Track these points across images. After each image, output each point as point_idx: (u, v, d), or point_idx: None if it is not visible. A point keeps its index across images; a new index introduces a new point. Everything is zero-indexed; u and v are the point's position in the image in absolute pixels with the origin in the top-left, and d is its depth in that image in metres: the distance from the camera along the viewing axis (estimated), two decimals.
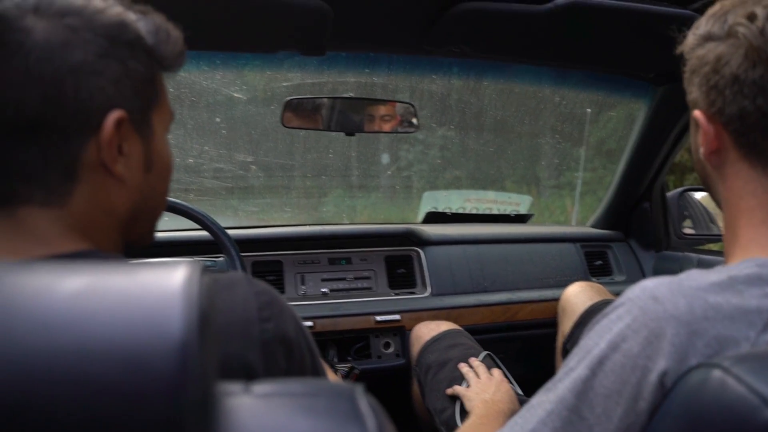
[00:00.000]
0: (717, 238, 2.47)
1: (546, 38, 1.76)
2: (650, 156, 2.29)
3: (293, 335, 0.77)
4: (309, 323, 1.88)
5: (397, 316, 2.00)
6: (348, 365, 1.88)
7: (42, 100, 0.65)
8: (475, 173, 4.46)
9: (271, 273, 2.06)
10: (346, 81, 2.47)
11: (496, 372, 1.58)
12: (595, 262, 2.42)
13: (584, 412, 0.77)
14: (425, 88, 3.03)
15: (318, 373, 0.84)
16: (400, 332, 2.01)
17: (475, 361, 1.62)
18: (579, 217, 3.73)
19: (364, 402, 0.46)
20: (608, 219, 2.55)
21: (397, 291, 2.13)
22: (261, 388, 0.46)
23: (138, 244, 0.83)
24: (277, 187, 3.77)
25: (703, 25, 0.86)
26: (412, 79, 2.69)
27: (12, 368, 0.36)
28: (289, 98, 1.91)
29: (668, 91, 2.10)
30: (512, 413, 1.40)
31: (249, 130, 3.33)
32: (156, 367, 0.37)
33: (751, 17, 0.79)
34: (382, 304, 2.04)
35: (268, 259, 2.08)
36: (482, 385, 1.52)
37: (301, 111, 1.95)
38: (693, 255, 2.23)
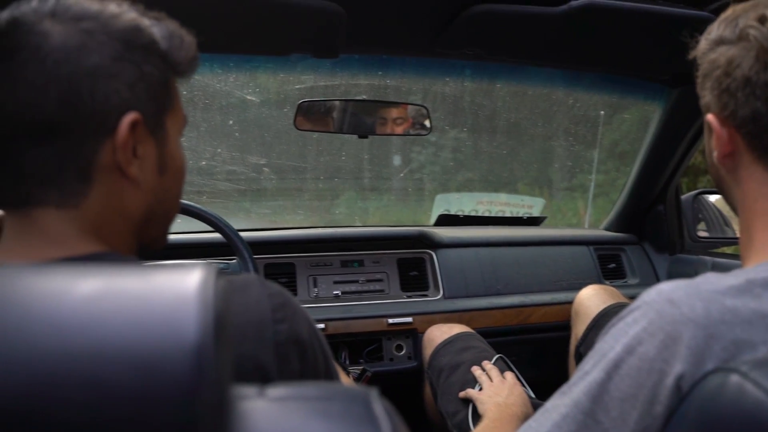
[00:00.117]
0: (731, 241, 2.45)
1: (560, 40, 1.76)
2: (665, 158, 2.27)
3: (306, 337, 0.77)
4: (321, 325, 1.88)
5: (409, 319, 1.99)
6: (360, 368, 1.88)
7: (59, 103, 0.66)
8: (487, 175, 4.45)
9: (283, 275, 2.06)
10: (358, 83, 2.47)
11: (508, 375, 1.57)
12: (608, 265, 2.41)
13: (599, 415, 0.77)
14: (438, 90, 3.03)
15: (331, 375, 0.84)
16: (413, 335, 2.01)
17: (487, 364, 1.62)
18: (592, 220, 3.71)
19: (379, 406, 0.46)
20: (622, 222, 2.53)
21: (409, 293, 2.13)
22: (275, 391, 0.46)
23: (151, 247, 0.83)
24: (290, 190, 3.77)
25: (715, 30, 0.86)
26: (424, 81, 2.70)
27: (27, 371, 0.36)
28: (302, 101, 1.92)
29: (684, 93, 2.09)
30: (525, 417, 1.39)
31: (262, 133, 3.34)
32: (171, 371, 0.37)
33: (762, 20, 0.80)
34: (394, 307, 2.04)
35: (281, 262, 2.08)
36: (495, 388, 1.51)
37: (314, 113, 1.96)
38: (707, 258, 2.21)
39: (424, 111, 2.03)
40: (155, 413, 0.36)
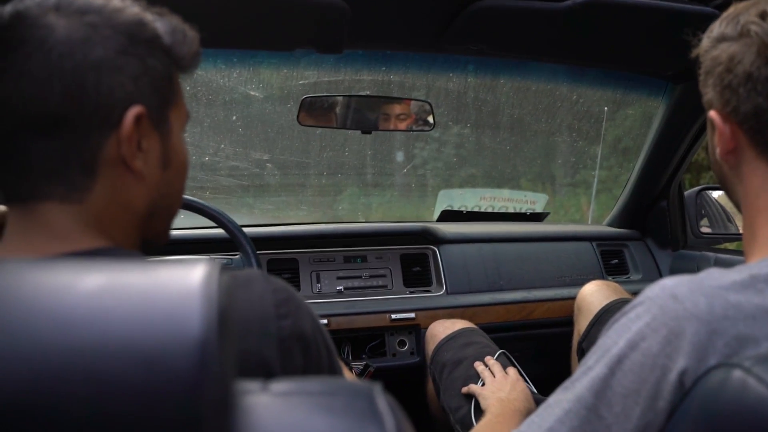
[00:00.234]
0: (734, 237, 2.45)
1: (564, 36, 1.75)
2: (668, 154, 2.27)
3: (310, 332, 0.77)
4: (324, 321, 1.88)
5: (412, 314, 1.99)
6: (363, 363, 1.88)
7: (63, 96, 0.66)
8: (490, 171, 4.45)
9: (286, 271, 2.06)
10: (362, 79, 2.47)
11: (511, 371, 1.58)
12: (611, 260, 2.40)
13: (602, 411, 0.77)
14: (441, 86, 3.02)
15: (334, 370, 0.84)
16: (416, 330, 2.01)
17: (490, 360, 1.62)
18: (595, 216, 3.71)
19: (383, 401, 0.46)
20: (624, 217, 2.53)
21: (412, 289, 2.13)
22: (279, 386, 0.46)
23: (154, 242, 0.83)
24: (293, 185, 3.77)
25: (716, 28, 0.87)
26: (428, 77, 2.69)
27: (31, 366, 0.36)
28: (305, 96, 1.92)
29: (687, 88, 2.08)
30: (528, 412, 1.40)
31: (265, 128, 3.34)
32: (175, 366, 0.37)
33: (763, 16, 0.81)
34: (397, 302, 2.04)
35: (284, 257, 2.08)
36: (497, 383, 1.52)
37: (318, 109, 1.96)
38: (710, 254, 2.21)
39: (428, 107, 2.03)
40: (159, 408, 0.36)
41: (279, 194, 3.78)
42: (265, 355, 0.71)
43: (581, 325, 1.79)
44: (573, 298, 1.92)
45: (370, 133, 2.01)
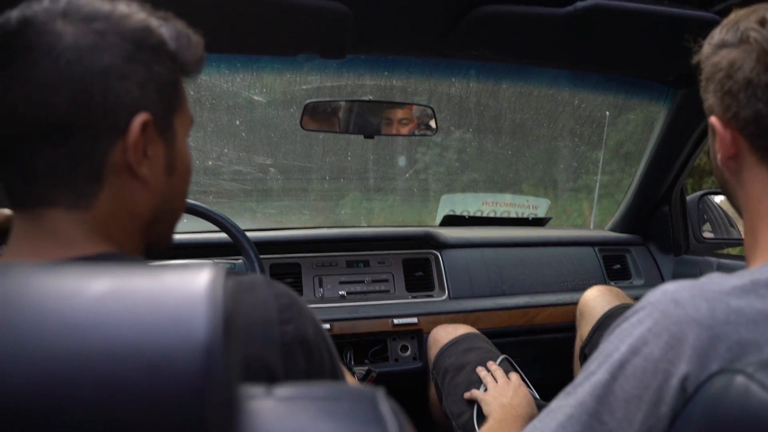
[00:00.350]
0: (737, 242, 2.45)
1: (566, 41, 1.76)
2: (670, 159, 2.27)
3: (313, 337, 0.77)
4: (327, 326, 1.88)
5: (414, 319, 1.99)
6: (365, 368, 1.88)
7: (71, 102, 0.66)
8: (492, 176, 4.44)
9: (289, 275, 2.06)
10: (364, 84, 2.47)
11: (513, 376, 1.58)
12: (613, 266, 2.40)
13: (604, 416, 0.77)
14: (443, 91, 3.02)
15: (337, 375, 0.84)
16: (418, 335, 2.01)
17: (492, 365, 1.62)
18: (597, 221, 3.70)
19: (386, 405, 0.46)
20: (627, 222, 2.53)
21: (414, 294, 2.13)
22: (283, 391, 0.46)
23: (157, 246, 0.84)
24: (296, 190, 3.77)
25: (717, 34, 0.88)
26: (430, 82, 2.69)
27: (38, 370, 0.37)
28: (308, 101, 1.92)
29: (688, 94, 2.08)
30: (530, 418, 1.39)
31: (268, 133, 3.34)
32: (181, 370, 0.37)
33: (763, 22, 0.81)
34: (399, 307, 2.04)
35: (287, 262, 2.09)
36: (500, 389, 1.51)
37: (320, 114, 1.96)
38: (712, 259, 2.20)
39: (430, 111, 2.03)
40: (164, 412, 0.36)
41: (282, 199, 3.78)
42: (268, 360, 0.71)
43: (583, 330, 1.79)
44: (575, 303, 1.92)
45: (372, 137, 2.02)
